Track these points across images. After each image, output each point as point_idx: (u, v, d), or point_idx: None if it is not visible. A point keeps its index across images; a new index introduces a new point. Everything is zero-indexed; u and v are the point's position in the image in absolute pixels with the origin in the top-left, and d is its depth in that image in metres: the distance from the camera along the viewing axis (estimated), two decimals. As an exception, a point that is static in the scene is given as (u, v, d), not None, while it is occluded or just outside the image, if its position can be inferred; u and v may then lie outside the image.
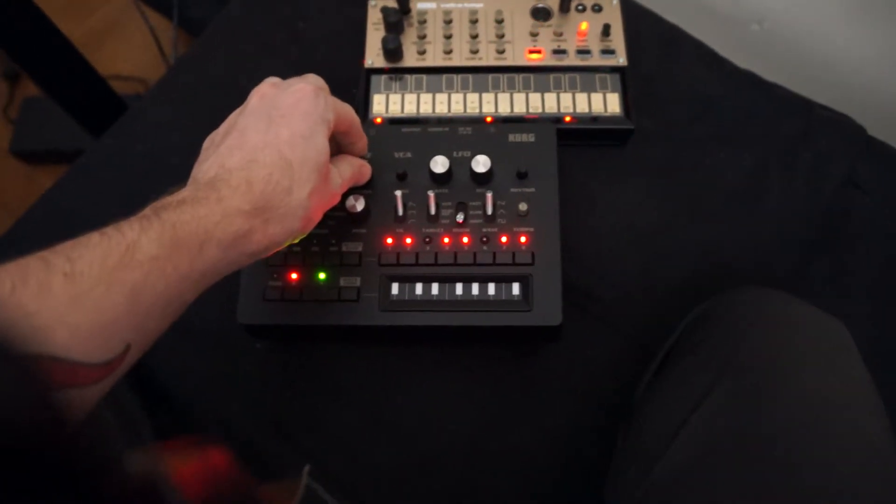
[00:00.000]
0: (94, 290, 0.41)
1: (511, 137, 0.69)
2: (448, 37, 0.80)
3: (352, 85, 0.80)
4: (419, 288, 0.65)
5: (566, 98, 0.77)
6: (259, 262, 0.66)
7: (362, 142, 0.64)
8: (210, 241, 0.47)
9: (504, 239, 0.65)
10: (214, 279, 0.50)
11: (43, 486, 0.29)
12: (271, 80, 0.58)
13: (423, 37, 0.80)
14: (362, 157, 0.66)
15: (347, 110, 0.60)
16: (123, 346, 0.44)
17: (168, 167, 0.81)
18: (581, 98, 0.77)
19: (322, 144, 0.54)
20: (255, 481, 0.56)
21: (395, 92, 0.78)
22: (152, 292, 0.44)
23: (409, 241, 0.66)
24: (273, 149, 0.52)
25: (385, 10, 0.79)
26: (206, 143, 0.57)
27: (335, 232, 0.67)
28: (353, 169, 0.62)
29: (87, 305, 0.41)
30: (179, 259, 0.46)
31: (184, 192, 0.49)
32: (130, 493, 0.35)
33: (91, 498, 0.31)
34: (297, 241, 0.57)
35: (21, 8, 0.92)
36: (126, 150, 0.84)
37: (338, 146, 0.63)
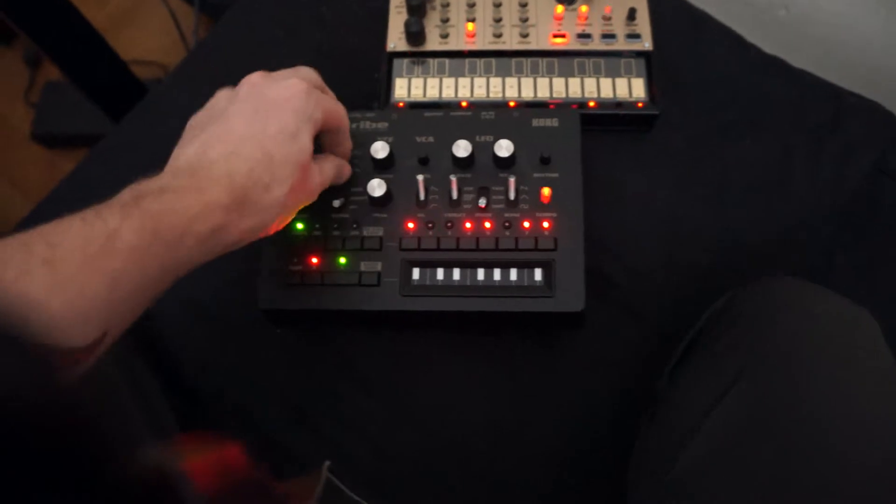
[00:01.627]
0: (74, 278, 0.41)
1: (534, 122, 0.69)
2: (471, 20, 0.79)
3: (374, 69, 0.79)
4: (440, 273, 0.65)
5: (590, 83, 0.76)
6: (280, 246, 0.66)
7: (347, 144, 0.64)
8: (188, 234, 0.47)
9: (526, 224, 0.65)
10: (189, 268, 0.50)
11: (52, 474, 0.28)
12: (262, 72, 0.58)
13: (446, 20, 0.79)
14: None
15: (338, 110, 0.60)
16: (101, 333, 0.44)
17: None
18: (605, 83, 0.76)
19: (306, 143, 0.54)
20: (272, 476, 0.56)
21: (418, 76, 0.77)
22: (131, 281, 0.45)
23: (430, 225, 0.65)
24: (257, 143, 0.52)
25: (408, -7, 0.78)
26: (191, 123, 0.57)
27: (356, 216, 0.66)
28: (336, 169, 0.62)
29: (67, 293, 0.41)
30: (158, 250, 0.46)
31: (163, 179, 0.50)
32: (144, 484, 0.34)
33: (105, 488, 0.31)
34: (270, 234, 0.56)
35: (43, -9, 0.92)
36: (146, 135, 0.84)
37: (321, 146, 0.63)
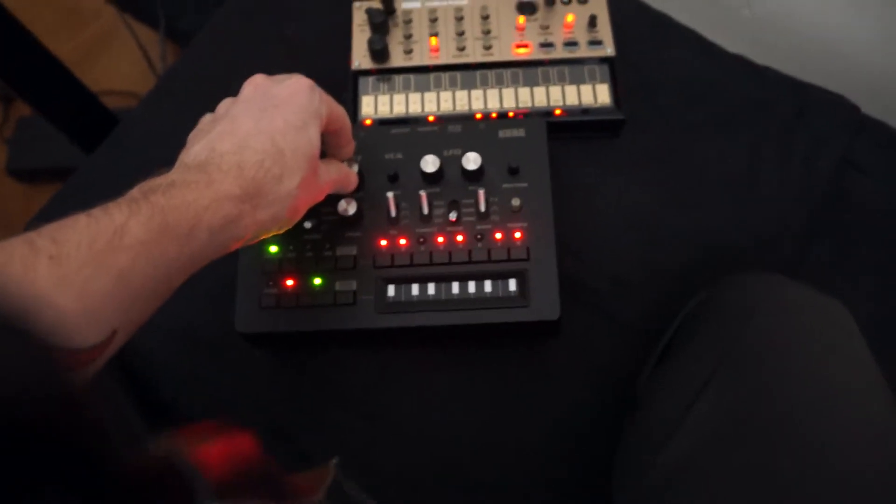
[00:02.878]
0: (80, 274, 0.41)
1: (501, 133, 0.69)
2: (434, 35, 0.79)
3: (341, 88, 0.79)
4: (415, 289, 0.65)
5: (555, 91, 0.76)
6: (255, 269, 0.66)
7: (350, 146, 0.64)
8: (199, 226, 0.47)
9: (498, 235, 0.65)
10: (202, 263, 0.49)
11: (57, 466, 0.28)
12: (263, 74, 0.58)
13: (409, 36, 0.79)
14: (349, 165, 0.66)
15: (341, 111, 0.60)
16: (110, 331, 0.43)
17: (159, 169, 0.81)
18: (570, 90, 0.76)
19: (314, 137, 0.55)
20: (282, 467, 0.56)
21: (384, 93, 0.78)
22: (140, 277, 0.44)
23: (403, 241, 0.66)
24: (266, 136, 0.52)
25: (370, 12, 0.78)
26: (196, 128, 0.57)
27: (329, 236, 0.66)
28: (340, 173, 0.62)
29: (73, 289, 0.40)
30: (168, 244, 0.45)
31: (172, 175, 0.49)
32: (152, 474, 0.34)
33: (110, 478, 0.31)
34: (282, 230, 0.56)
35: (8, 30, 0.92)
36: (119, 164, 0.84)
37: (324, 149, 0.63)
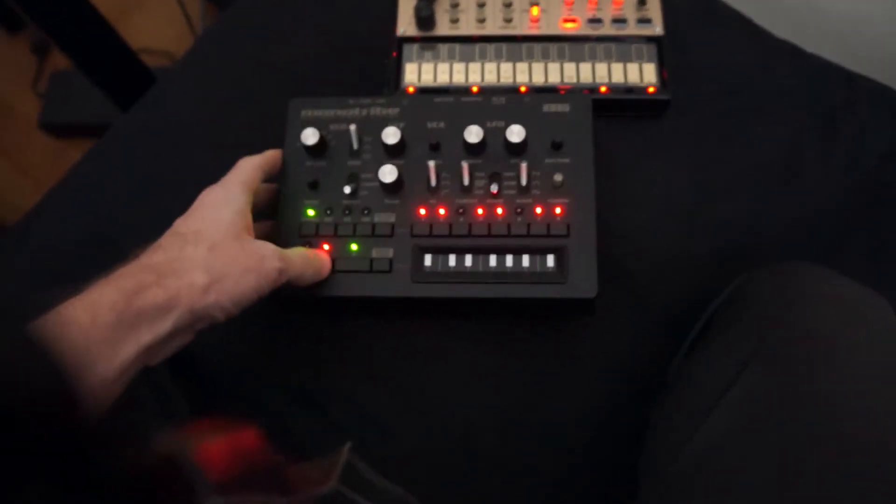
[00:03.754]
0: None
1: (546, 108, 0.68)
2: (481, 5, 0.78)
3: (384, 54, 0.79)
4: (452, 259, 0.65)
5: (601, 68, 0.75)
6: (292, 231, 0.66)
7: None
8: (101, 308, 0.47)
9: (538, 210, 0.64)
10: (161, 349, 0.50)
11: (66, 461, 0.29)
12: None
13: (455, 5, 0.79)
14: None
15: (261, 158, 0.64)
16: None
17: (194, 140, 0.81)
18: (616, 68, 0.76)
19: (224, 213, 0.56)
20: (286, 461, 0.56)
21: (428, 61, 0.77)
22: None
23: (442, 211, 0.65)
24: (179, 236, 0.54)
25: (417, -21, 0.78)
26: None
27: (367, 202, 0.66)
28: (304, 259, 0.61)
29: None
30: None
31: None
32: (154, 472, 0.34)
33: (115, 476, 0.31)
34: (234, 313, 0.54)
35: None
36: (153, 124, 0.84)
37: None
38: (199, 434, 0.51)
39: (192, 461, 0.43)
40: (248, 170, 0.61)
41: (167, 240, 0.54)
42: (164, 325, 0.49)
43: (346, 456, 0.61)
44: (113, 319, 0.46)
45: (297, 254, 0.60)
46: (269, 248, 0.56)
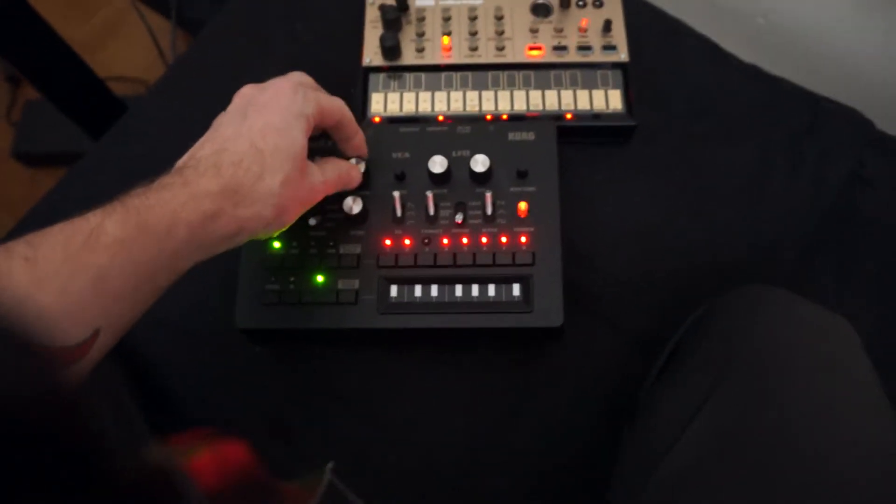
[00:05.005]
0: (57, 274, 0.42)
1: (511, 136, 0.68)
2: (447, 34, 0.78)
3: (350, 84, 0.79)
4: (418, 290, 0.64)
5: (567, 95, 0.76)
6: (257, 265, 0.65)
7: (358, 137, 0.64)
8: (178, 224, 0.47)
9: (504, 239, 0.64)
10: (188, 263, 0.50)
11: (51, 475, 0.28)
12: (252, 84, 0.59)
13: (421, 34, 0.79)
14: (360, 157, 0.66)
15: (336, 104, 0.60)
16: (91, 331, 0.44)
17: (165, 167, 0.81)
18: (582, 95, 0.76)
19: (297, 137, 0.55)
20: (274, 476, 0.55)
21: (394, 90, 0.77)
22: (120, 275, 0.45)
23: (407, 242, 0.65)
24: (244, 138, 0.53)
25: (383, 8, 0.78)
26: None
27: (333, 234, 0.66)
28: (339, 171, 0.62)
29: (52, 288, 0.41)
30: (146, 241, 0.46)
31: (151, 184, 0.50)
32: (144, 483, 0.34)
33: (101, 488, 0.30)
34: (274, 235, 0.57)
35: (20, 13, 0.92)
36: (125, 152, 0.83)
37: (330, 147, 0.63)
38: (187, 445, 0.51)
39: (183, 472, 0.42)
40: (317, 107, 0.58)
41: (250, 154, 0.52)
42: (217, 250, 0.52)
43: (328, 475, 0.60)
44: (185, 235, 0.48)
45: (336, 174, 0.61)
46: (318, 177, 0.58)
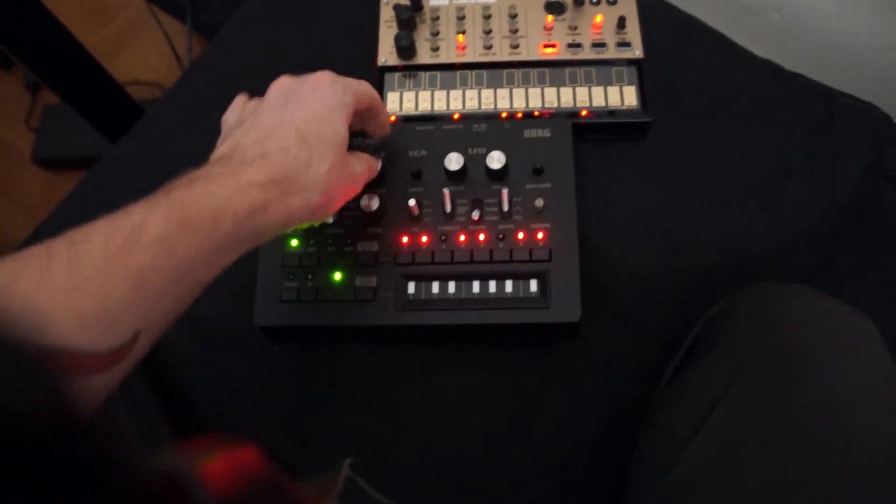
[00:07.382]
0: (97, 275, 0.40)
1: (526, 133, 0.69)
2: (461, 33, 0.79)
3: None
4: (435, 286, 0.65)
5: (582, 92, 0.76)
6: (275, 263, 0.66)
7: (384, 113, 0.64)
8: (224, 217, 0.46)
9: (521, 235, 0.64)
10: (231, 257, 0.49)
11: (61, 481, 0.28)
12: (289, 75, 0.58)
13: (436, 33, 0.79)
14: (383, 140, 0.66)
15: (367, 89, 0.60)
16: (132, 333, 0.42)
17: (181, 170, 0.81)
18: (597, 92, 0.76)
19: (340, 126, 0.55)
20: (288, 478, 0.56)
21: (409, 89, 0.78)
22: (160, 275, 0.43)
23: (424, 239, 0.65)
24: (289, 126, 0.52)
25: (397, 8, 0.78)
26: (224, 129, 0.58)
27: (350, 232, 0.66)
28: (369, 163, 0.62)
29: (90, 291, 0.40)
30: (189, 238, 0.45)
31: (196, 172, 0.49)
32: (155, 490, 0.34)
33: (113, 495, 0.31)
34: (318, 221, 0.56)
35: (38, 19, 0.93)
36: (142, 155, 0.84)
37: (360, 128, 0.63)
38: (199, 451, 0.51)
39: (195, 478, 0.42)
40: (355, 96, 0.58)
41: (297, 141, 0.52)
42: (262, 241, 0.51)
43: (346, 472, 0.60)
44: (230, 229, 0.46)
45: (367, 166, 0.61)
46: (357, 167, 0.58)
